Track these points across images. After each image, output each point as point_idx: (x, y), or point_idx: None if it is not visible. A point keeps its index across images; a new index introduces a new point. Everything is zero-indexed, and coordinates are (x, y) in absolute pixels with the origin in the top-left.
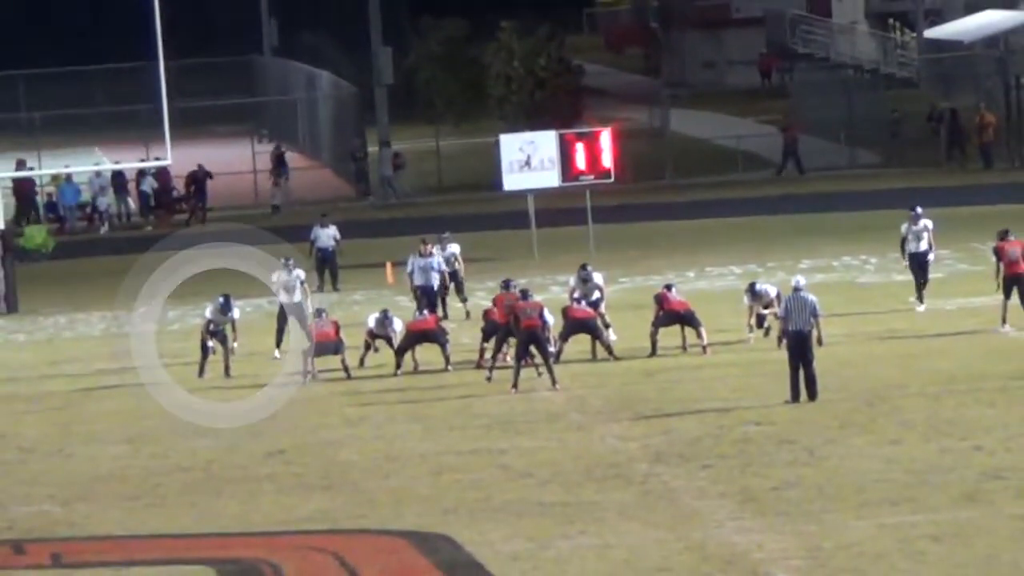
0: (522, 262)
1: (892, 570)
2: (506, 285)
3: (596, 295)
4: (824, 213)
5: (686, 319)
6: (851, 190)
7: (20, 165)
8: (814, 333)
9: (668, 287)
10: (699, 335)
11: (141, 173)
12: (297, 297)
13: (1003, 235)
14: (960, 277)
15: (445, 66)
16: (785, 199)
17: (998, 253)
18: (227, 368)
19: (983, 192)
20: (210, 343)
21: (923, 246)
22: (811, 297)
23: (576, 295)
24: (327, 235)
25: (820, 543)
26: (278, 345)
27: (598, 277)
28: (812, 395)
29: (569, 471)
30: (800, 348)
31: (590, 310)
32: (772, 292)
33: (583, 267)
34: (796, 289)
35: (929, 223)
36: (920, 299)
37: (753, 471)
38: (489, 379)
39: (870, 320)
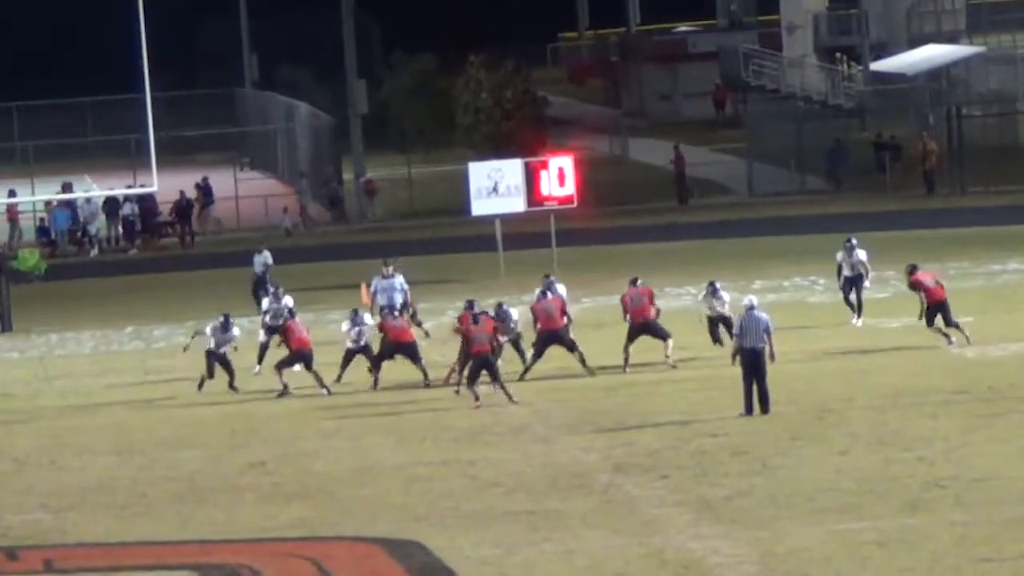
0: (490, 283)
1: (838, 574)
2: (470, 305)
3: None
4: (775, 236)
5: (651, 329)
6: (800, 215)
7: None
8: (766, 350)
9: (634, 281)
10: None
11: (125, 199)
12: (282, 322)
13: (912, 270)
14: (904, 297)
15: (416, 97)
16: (739, 223)
17: (917, 286)
18: (232, 383)
19: (926, 216)
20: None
21: (861, 271)
22: (764, 315)
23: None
24: (259, 262)
25: (772, 549)
26: (259, 362)
27: (561, 288)
28: (765, 409)
29: (534, 481)
30: (754, 364)
31: (558, 318)
32: (726, 298)
33: (547, 276)
34: (750, 308)
35: (863, 254)
36: (857, 314)
37: (709, 481)
38: (458, 392)
39: (819, 338)
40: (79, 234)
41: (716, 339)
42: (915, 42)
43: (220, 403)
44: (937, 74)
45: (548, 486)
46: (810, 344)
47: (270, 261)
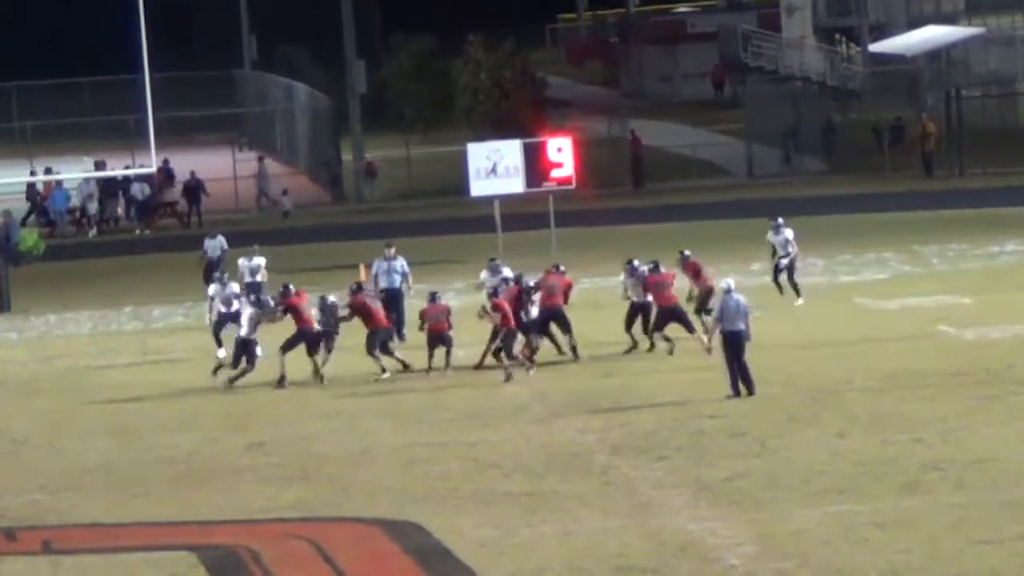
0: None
1: (836, 555)
2: (495, 292)
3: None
4: None
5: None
6: (799, 196)
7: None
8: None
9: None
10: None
11: (130, 179)
12: (235, 307)
13: (685, 258)
14: (902, 278)
15: (415, 78)
16: (737, 204)
17: (689, 272)
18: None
19: (924, 198)
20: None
21: (790, 250)
22: (742, 298)
23: (489, 286)
24: (214, 246)
25: (770, 530)
26: (219, 345)
27: (507, 271)
28: (750, 390)
29: (533, 462)
30: (735, 347)
31: (560, 296)
32: (645, 270)
33: (491, 260)
34: (727, 291)
35: (790, 232)
36: (797, 293)
37: (706, 462)
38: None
39: (816, 319)
40: (77, 215)
41: (629, 328)
42: (914, 23)
43: (218, 384)
44: (936, 55)
45: (546, 467)
46: (807, 325)
47: (226, 245)
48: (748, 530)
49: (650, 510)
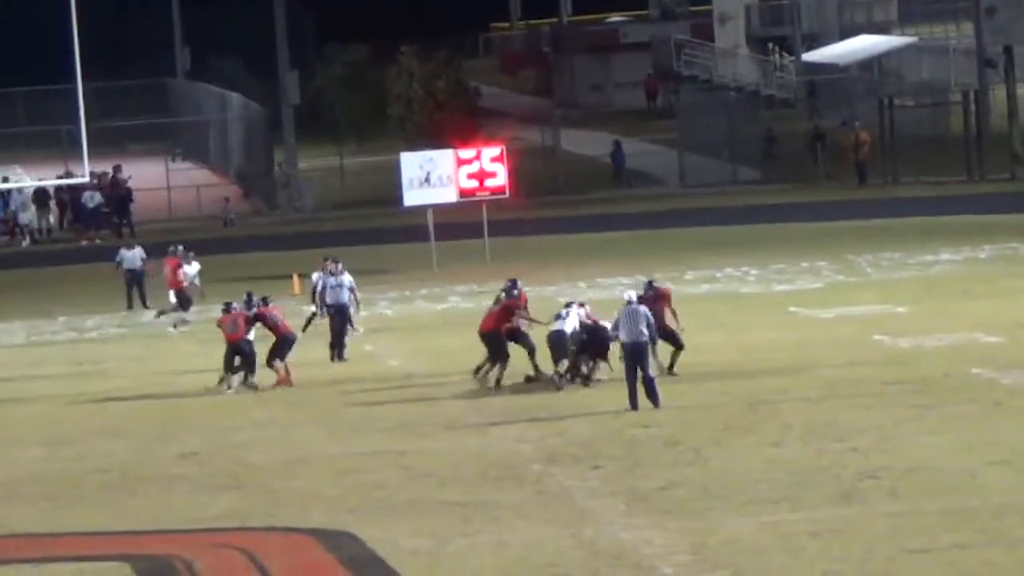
0: (422, 273)
1: (771, 565)
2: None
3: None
4: (707, 227)
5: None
6: (732, 205)
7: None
8: (648, 345)
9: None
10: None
11: (83, 188)
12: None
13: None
14: (836, 287)
15: (349, 88)
16: (671, 214)
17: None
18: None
19: (858, 207)
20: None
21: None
22: (643, 309)
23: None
24: (133, 256)
25: (704, 539)
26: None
27: (347, 278)
28: (654, 402)
29: (468, 472)
30: (636, 357)
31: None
32: (581, 315)
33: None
34: (629, 303)
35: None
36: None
37: (641, 471)
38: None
39: (751, 328)
40: (10, 225)
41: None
42: (847, 32)
43: (151, 394)
44: (869, 64)
45: (481, 477)
46: (742, 334)
47: (144, 255)
48: (682, 539)
49: (585, 519)
